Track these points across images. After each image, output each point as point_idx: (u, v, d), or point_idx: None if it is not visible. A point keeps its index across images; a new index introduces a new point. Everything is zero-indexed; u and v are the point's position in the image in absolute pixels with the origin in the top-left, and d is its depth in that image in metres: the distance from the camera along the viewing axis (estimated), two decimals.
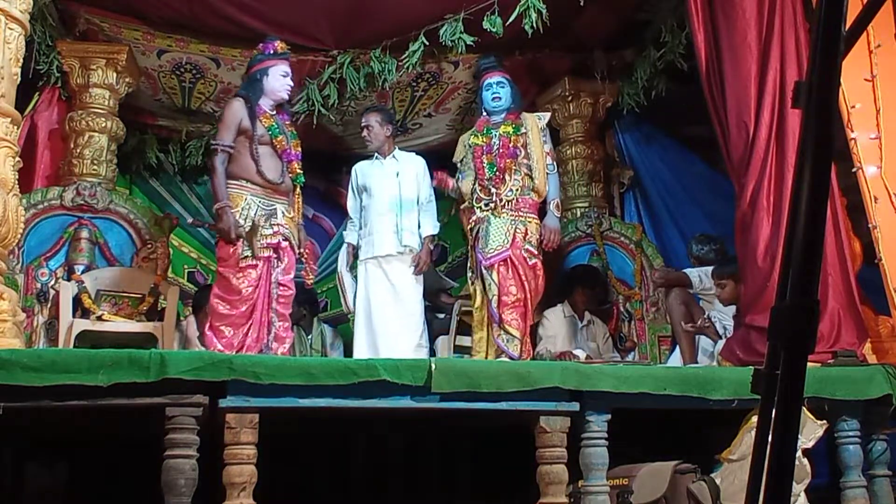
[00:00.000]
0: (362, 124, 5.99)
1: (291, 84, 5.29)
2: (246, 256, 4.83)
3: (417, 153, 6.69)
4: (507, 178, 5.50)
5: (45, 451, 4.63)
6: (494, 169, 5.54)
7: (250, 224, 4.85)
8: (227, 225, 4.78)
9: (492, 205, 5.50)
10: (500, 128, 5.63)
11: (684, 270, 6.24)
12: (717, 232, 6.30)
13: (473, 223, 5.62)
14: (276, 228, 4.95)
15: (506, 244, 5.38)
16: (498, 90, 5.72)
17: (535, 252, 5.45)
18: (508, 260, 5.37)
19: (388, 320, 5.62)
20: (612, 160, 7.68)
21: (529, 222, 5.48)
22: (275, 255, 4.95)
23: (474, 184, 5.66)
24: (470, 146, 5.73)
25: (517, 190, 5.49)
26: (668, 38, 6.64)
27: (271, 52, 5.21)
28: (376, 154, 6.01)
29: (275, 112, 5.17)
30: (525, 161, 5.54)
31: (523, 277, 5.37)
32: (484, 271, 5.45)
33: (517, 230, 5.42)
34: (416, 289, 5.81)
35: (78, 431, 4.46)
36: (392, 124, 6.10)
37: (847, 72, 3.99)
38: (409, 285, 5.76)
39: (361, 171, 6.03)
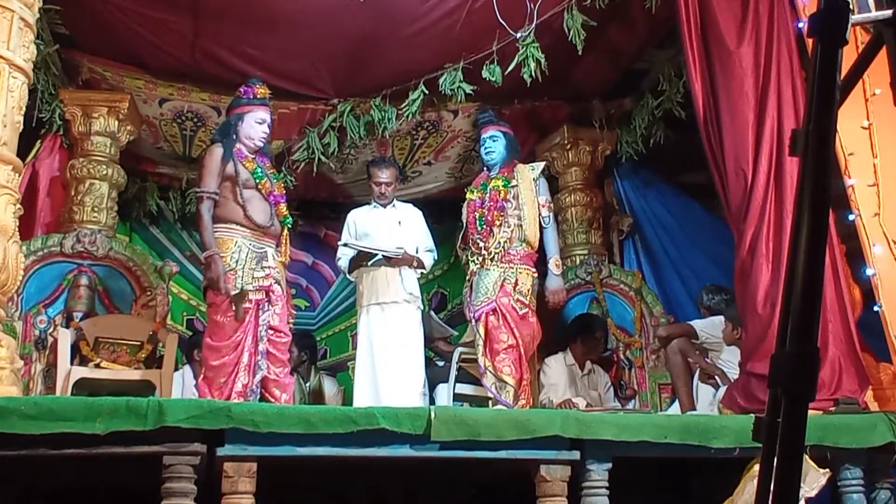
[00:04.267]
0: (382, 180, 6.01)
1: (267, 131, 5.25)
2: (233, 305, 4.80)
3: (417, 201, 6.72)
4: (494, 231, 5.56)
5: (42, 500, 4.58)
6: (483, 223, 5.60)
7: (239, 289, 4.82)
8: (217, 274, 4.75)
9: (481, 258, 5.54)
10: (491, 182, 5.70)
11: (689, 322, 6.23)
12: (721, 276, 6.29)
13: (468, 277, 5.70)
14: (267, 271, 4.93)
15: (492, 295, 5.41)
16: (490, 145, 5.81)
17: (527, 302, 5.46)
18: (497, 309, 5.38)
19: (391, 366, 5.61)
20: (611, 208, 7.70)
21: (521, 272, 5.50)
22: (265, 299, 4.92)
23: (468, 238, 5.74)
24: (467, 202, 5.81)
25: (504, 242, 5.53)
26: (666, 87, 6.71)
27: (251, 96, 5.20)
28: (374, 202, 6.04)
29: (254, 155, 5.16)
30: (516, 212, 5.58)
31: (513, 325, 5.37)
32: (473, 323, 5.50)
33: (506, 280, 5.45)
34: (419, 336, 5.83)
35: (75, 480, 4.42)
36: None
37: (843, 119, 4.03)
38: (413, 332, 5.79)
39: (360, 217, 6.06)
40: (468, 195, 5.84)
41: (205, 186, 4.93)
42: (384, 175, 6.01)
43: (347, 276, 6.12)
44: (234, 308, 4.79)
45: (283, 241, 5.21)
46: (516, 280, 5.45)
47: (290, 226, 5.29)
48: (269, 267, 4.94)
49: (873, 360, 4.77)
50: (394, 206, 6.08)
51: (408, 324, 5.78)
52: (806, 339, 1.20)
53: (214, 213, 4.91)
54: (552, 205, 5.85)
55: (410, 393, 5.53)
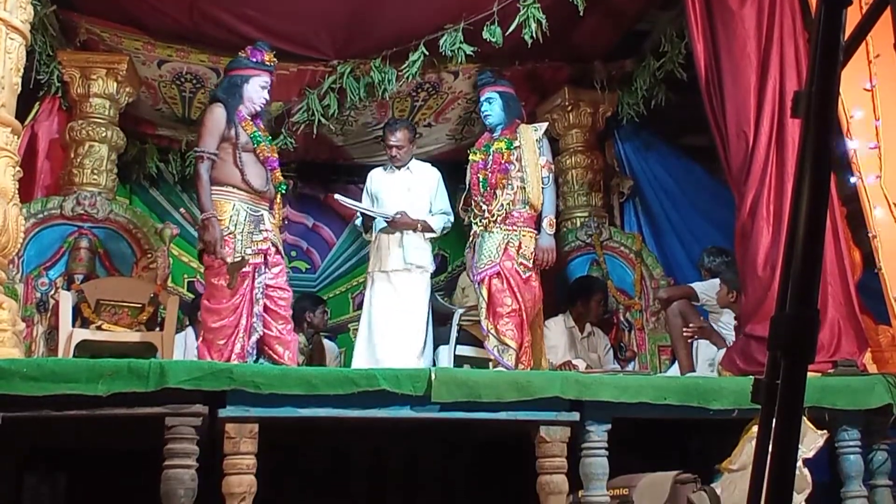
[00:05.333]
0: (393, 143, 5.88)
1: (267, 98, 5.22)
2: (233, 263, 4.79)
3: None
4: (497, 193, 5.51)
5: (44, 461, 4.62)
6: (486, 185, 5.57)
7: (240, 256, 4.81)
8: (214, 237, 4.71)
9: (485, 220, 5.52)
10: (494, 144, 5.65)
11: (690, 284, 6.23)
12: (721, 239, 6.29)
13: (471, 238, 5.66)
14: (265, 235, 4.92)
15: (496, 258, 5.39)
16: (487, 107, 5.73)
17: (530, 265, 5.43)
18: (500, 273, 5.37)
19: (390, 333, 5.59)
20: (612, 170, 7.69)
21: (524, 235, 5.46)
22: (262, 262, 4.92)
23: (471, 200, 5.70)
24: (470, 163, 5.76)
25: (508, 204, 5.48)
26: (668, 48, 6.67)
27: (258, 60, 5.14)
28: (390, 164, 6.00)
29: (251, 118, 5.11)
30: (519, 174, 5.52)
31: (516, 289, 5.35)
32: (476, 286, 5.50)
33: (510, 243, 5.42)
34: (423, 304, 5.75)
35: (77, 442, 4.45)
36: (416, 135, 6.12)
37: (846, 81, 4.01)
38: (417, 300, 5.71)
39: (375, 178, 6.02)
40: (471, 156, 5.79)
41: (204, 146, 4.86)
42: (394, 138, 5.91)
43: (364, 235, 6.10)
44: (229, 275, 4.77)
45: (277, 205, 5.19)
46: (520, 243, 5.42)
47: (283, 192, 5.27)
48: (266, 230, 4.93)
49: (872, 323, 4.79)
50: (408, 168, 5.96)
51: (409, 292, 5.70)
52: (806, 301, 1.20)
53: (212, 174, 4.86)
54: (553, 166, 5.79)
55: (406, 360, 5.48)
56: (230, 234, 4.79)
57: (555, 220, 5.66)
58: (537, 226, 5.53)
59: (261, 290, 4.87)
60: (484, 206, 5.55)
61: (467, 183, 5.79)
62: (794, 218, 1.23)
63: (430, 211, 5.88)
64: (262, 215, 4.96)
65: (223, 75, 5.26)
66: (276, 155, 5.21)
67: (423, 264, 5.76)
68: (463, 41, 6.13)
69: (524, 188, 5.49)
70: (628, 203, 7.69)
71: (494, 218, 5.48)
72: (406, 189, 5.87)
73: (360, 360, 5.59)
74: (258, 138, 5.03)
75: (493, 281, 5.37)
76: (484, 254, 5.44)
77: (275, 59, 5.25)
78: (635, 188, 7.60)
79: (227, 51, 6.63)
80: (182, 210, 7.96)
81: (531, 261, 5.43)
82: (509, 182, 5.52)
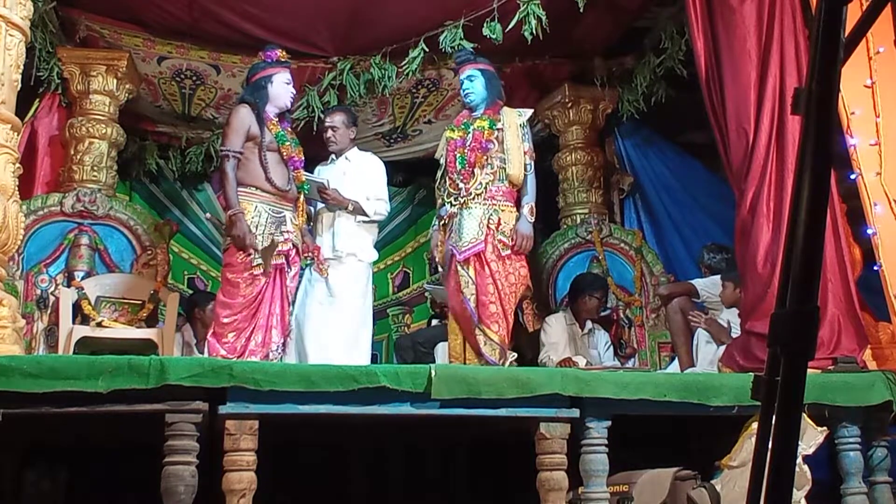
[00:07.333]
0: (326, 124, 5.75)
1: (294, 92, 5.30)
2: (258, 265, 4.82)
3: (418, 160, 6.63)
4: (476, 171, 5.24)
5: (44, 458, 4.62)
6: (464, 163, 5.28)
7: (269, 240, 4.86)
8: (242, 232, 4.77)
9: (461, 199, 5.25)
10: (475, 122, 5.37)
11: (690, 281, 6.23)
12: (721, 235, 6.29)
13: (446, 219, 5.36)
14: (286, 236, 4.97)
15: (480, 236, 5.14)
16: (468, 85, 5.43)
17: (508, 243, 5.15)
18: (482, 254, 5.12)
19: (315, 328, 5.39)
20: (612, 166, 7.69)
21: (503, 211, 5.20)
22: (284, 263, 4.96)
23: (444, 178, 5.43)
24: (446, 140, 5.49)
25: (486, 183, 5.22)
26: (668, 45, 6.66)
27: (273, 59, 5.21)
28: (332, 156, 5.80)
29: (277, 119, 5.17)
30: (498, 154, 5.26)
31: (497, 272, 5.11)
32: (459, 267, 5.17)
33: (490, 220, 5.16)
34: (354, 296, 5.50)
35: (78, 438, 4.45)
36: (356, 125, 5.93)
37: (846, 78, 4.00)
38: (346, 291, 5.46)
39: (318, 170, 5.79)
40: (448, 133, 5.50)
41: (230, 145, 4.93)
42: (328, 119, 5.79)
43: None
44: (262, 262, 4.83)
45: (300, 206, 5.20)
46: (499, 219, 5.17)
47: (306, 192, 5.25)
48: (287, 231, 4.98)
49: (872, 320, 4.79)
50: (347, 158, 5.72)
51: (338, 283, 5.44)
52: (806, 298, 1.20)
53: (237, 174, 4.92)
54: (534, 154, 5.47)
55: (334, 356, 5.16)
56: (251, 234, 4.83)
57: (535, 208, 5.36)
58: (517, 204, 5.30)
59: (290, 289, 5.01)
60: (461, 185, 5.27)
61: (443, 161, 5.49)
62: (795, 214, 1.23)
63: (367, 199, 5.57)
64: (284, 216, 5.02)
65: (246, 83, 5.28)
66: (301, 156, 5.21)
67: (354, 251, 5.50)
68: (463, 38, 6.12)
69: (504, 168, 5.24)
70: (628, 200, 7.69)
71: (472, 196, 5.22)
72: (341, 174, 5.62)
73: (291, 356, 5.47)
74: (283, 138, 5.08)
75: (476, 264, 5.14)
76: (465, 232, 5.16)
77: (288, 56, 5.31)
78: (635, 185, 7.59)
79: (226, 47, 6.66)
80: (207, 214, 7.85)
81: (510, 239, 5.17)
82: (489, 161, 5.25)
